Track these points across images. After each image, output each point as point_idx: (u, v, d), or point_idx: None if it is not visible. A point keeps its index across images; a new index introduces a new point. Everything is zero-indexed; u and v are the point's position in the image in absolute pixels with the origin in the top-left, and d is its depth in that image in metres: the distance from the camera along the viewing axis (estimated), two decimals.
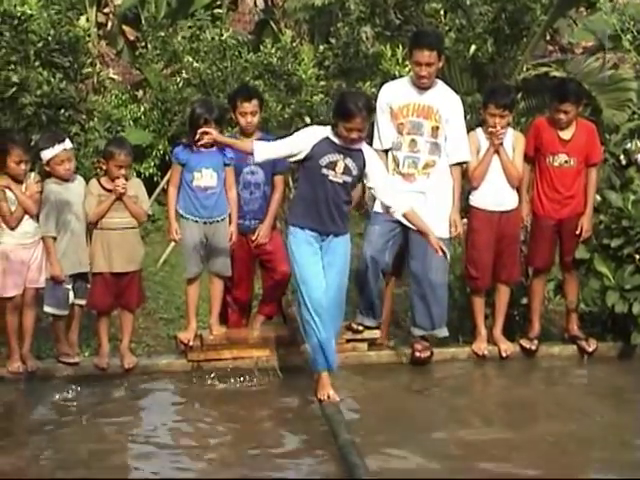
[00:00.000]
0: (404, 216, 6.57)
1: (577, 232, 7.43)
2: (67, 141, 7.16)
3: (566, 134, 7.41)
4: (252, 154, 6.48)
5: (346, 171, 6.30)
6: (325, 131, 6.35)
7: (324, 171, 6.28)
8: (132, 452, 6.10)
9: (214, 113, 7.17)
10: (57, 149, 7.01)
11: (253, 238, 7.35)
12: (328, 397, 6.41)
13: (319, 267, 6.38)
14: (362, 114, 6.21)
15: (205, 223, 7.24)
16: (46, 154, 7.03)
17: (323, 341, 6.37)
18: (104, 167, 7.20)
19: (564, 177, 7.42)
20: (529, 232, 7.64)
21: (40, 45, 8.69)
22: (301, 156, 6.33)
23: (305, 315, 6.40)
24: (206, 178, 7.19)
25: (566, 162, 7.40)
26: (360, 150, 6.35)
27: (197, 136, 6.60)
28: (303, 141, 6.34)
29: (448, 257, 6.61)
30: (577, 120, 7.48)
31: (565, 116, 7.34)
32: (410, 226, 6.89)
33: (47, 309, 7.11)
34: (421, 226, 6.58)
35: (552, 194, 7.44)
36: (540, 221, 7.52)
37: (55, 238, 7.01)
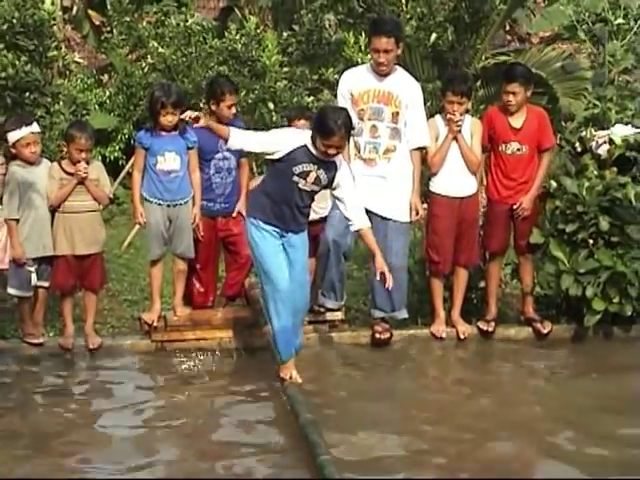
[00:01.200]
0: (358, 231, 6.43)
1: (516, 211, 7.44)
2: (34, 124, 7.08)
3: (517, 122, 7.42)
4: (227, 139, 6.33)
5: (316, 181, 6.17)
6: (304, 138, 6.15)
7: (295, 179, 6.13)
8: (92, 429, 6.04)
9: (172, 97, 7.12)
10: (24, 131, 6.93)
11: (234, 214, 7.39)
12: (290, 377, 6.40)
13: (282, 258, 6.28)
14: (341, 132, 6.01)
15: (169, 206, 7.19)
16: (12, 136, 6.94)
17: (286, 327, 6.32)
18: (66, 150, 7.14)
19: (517, 164, 7.43)
20: (485, 217, 7.66)
21: (4, 28, 8.59)
22: (274, 156, 6.15)
23: (269, 304, 6.34)
24: (169, 162, 7.14)
25: (518, 150, 7.42)
26: (334, 162, 6.20)
27: (185, 117, 6.46)
28: (280, 143, 6.15)
29: (391, 284, 6.49)
30: (527, 107, 7.50)
31: (513, 98, 7.35)
32: (371, 210, 6.87)
33: (10, 291, 7.07)
34: (371, 245, 6.40)
35: (506, 181, 7.46)
36: (494, 206, 7.54)
37: (18, 220, 6.93)
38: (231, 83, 7.54)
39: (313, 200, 6.38)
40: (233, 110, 7.34)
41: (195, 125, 6.39)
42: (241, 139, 6.31)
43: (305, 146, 6.12)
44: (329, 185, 6.25)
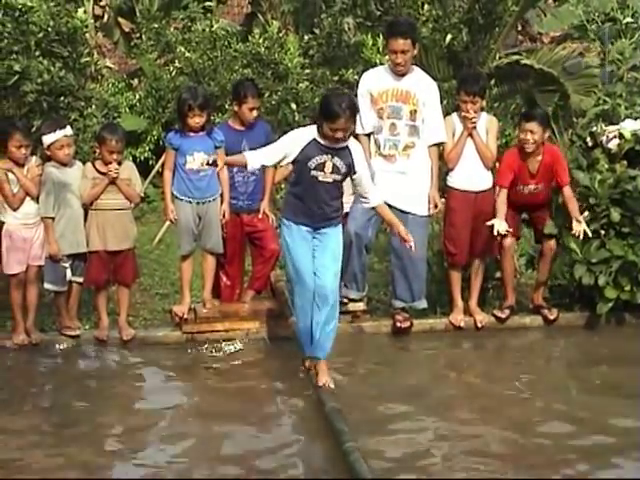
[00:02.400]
0: (375, 209, 6.34)
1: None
2: (68, 128, 7.13)
3: (534, 166, 7.37)
4: (246, 165, 6.24)
5: (335, 170, 6.04)
6: (311, 133, 6.06)
7: (313, 173, 6.02)
8: (128, 414, 6.07)
9: (199, 99, 7.12)
10: (58, 134, 6.97)
11: (260, 215, 7.36)
12: (309, 368, 6.37)
13: (310, 258, 6.15)
14: (346, 114, 5.90)
15: (198, 203, 7.20)
16: (47, 139, 6.98)
17: (304, 329, 6.24)
18: (98, 151, 7.16)
19: (533, 199, 7.48)
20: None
21: (40, 36, 8.60)
22: (290, 159, 6.07)
23: (297, 302, 6.26)
24: (198, 161, 7.15)
25: (535, 189, 7.44)
26: (346, 147, 6.07)
27: (203, 164, 6.57)
28: (290, 145, 6.07)
29: (413, 246, 6.43)
30: (544, 148, 7.41)
31: (531, 136, 7.28)
32: (391, 204, 6.86)
33: (47, 286, 7.12)
34: (390, 219, 6.36)
35: (522, 207, 7.53)
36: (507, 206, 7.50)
37: (53, 219, 6.96)
38: (255, 87, 7.50)
39: (341, 193, 6.21)
40: (255, 113, 7.33)
41: (215, 167, 6.34)
42: (257, 158, 6.18)
43: (314, 139, 6.02)
44: (351, 172, 6.10)
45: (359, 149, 6.22)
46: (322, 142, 6.01)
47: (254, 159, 6.17)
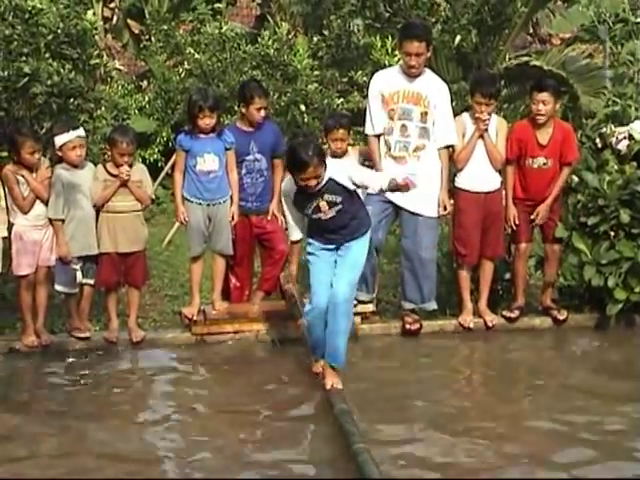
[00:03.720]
0: (390, 189, 6.17)
1: (532, 217, 7.44)
2: (80, 129, 7.15)
3: (544, 138, 7.37)
4: (295, 240, 6.43)
5: (331, 205, 5.97)
6: (291, 186, 6.01)
7: (314, 216, 6.02)
8: (138, 416, 6.11)
9: (209, 101, 7.14)
10: (71, 135, 6.99)
11: (269, 217, 7.39)
12: (317, 374, 6.36)
13: (328, 278, 6.11)
14: (314, 161, 5.79)
15: (208, 205, 7.23)
16: (60, 139, 6.99)
17: (317, 340, 6.27)
18: (109, 153, 7.19)
19: (541, 177, 7.42)
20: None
21: (50, 38, 8.62)
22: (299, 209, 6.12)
23: (309, 316, 6.28)
24: (208, 162, 7.17)
25: (544, 164, 7.40)
26: (330, 180, 5.92)
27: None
28: (289, 203, 6.14)
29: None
30: (555, 121, 7.45)
31: (544, 107, 7.30)
32: (401, 205, 6.86)
33: (57, 287, 7.13)
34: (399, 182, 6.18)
35: (530, 189, 7.45)
36: (517, 202, 7.50)
37: (63, 221, 6.98)
38: (261, 87, 7.49)
39: (355, 207, 6.10)
40: (262, 113, 7.32)
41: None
42: (293, 231, 6.32)
43: (297, 190, 5.98)
44: (346, 195, 5.99)
45: (339, 167, 6.06)
46: (303, 191, 5.94)
47: (295, 234, 6.34)
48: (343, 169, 6.09)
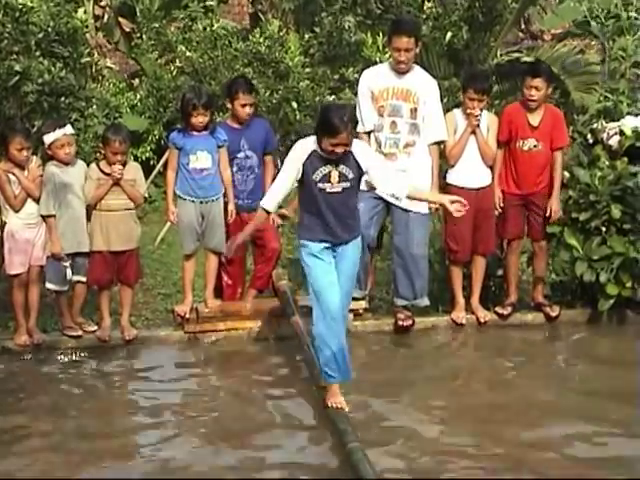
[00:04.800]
0: (409, 198, 6.04)
1: (547, 214, 7.45)
2: (68, 126, 7.13)
3: (535, 120, 7.42)
4: (267, 212, 5.96)
5: (342, 179, 5.74)
6: (311, 144, 5.75)
7: (320, 185, 5.72)
8: (130, 414, 6.14)
9: (202, 98, 7.15)
10: (58, 134, 6.99)
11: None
12: (337, 405, 5.86)
13: (333, 277, 5.83)
14: (347, 129, 5.61)
15: (202, 202, 7.24)
16: (48, 138, 7.01)
17: (337, 352, 5.80)
18: (103, 152, 7.20)
19: (532, 161, 7.44)
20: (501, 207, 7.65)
21: (41, 36, 8.62)
22: (299, 176, 5.77)
23: (320, 327, 5.79)
24: (201, 160, 7.19)
25: (535, 146, 7.42)
26: (349, 152, 5.74)
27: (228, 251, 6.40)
28: (294, 165, 5.76)
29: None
30: (545, 106, 7.50)
31: (537, 93, 7.35)
32: (393, 202, 6.85)
33: (48, 285, 7.13)
34: (423, 196, 6.24)
35: (521, 176, 7.46)
36: (507, 196, 7.53)
37: (54, 217, 6.98)
38: (246, 84, 7.46)
39: (356, 200, 5.94)
40: (247, 110, 7.30)
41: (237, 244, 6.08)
42: (272, 199, 5.90)
43: (313, 151, 5.74)
44: (361, 173, 5.82)
45: (364, 148, 5.97)
46: (323, 154, 5.73)
47: (269, 203, 5.90)
48: (367, 151, 5.96)
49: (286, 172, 5.84)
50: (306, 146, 5.79)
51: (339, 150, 5.67)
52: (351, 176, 5.79)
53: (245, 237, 6.12)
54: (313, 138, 5.78)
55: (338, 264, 5.89)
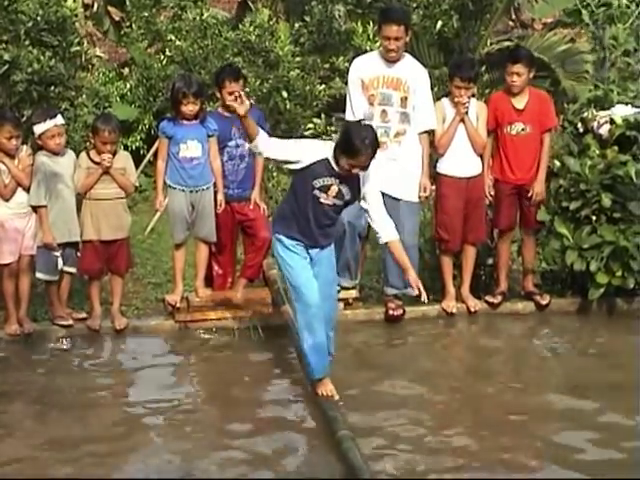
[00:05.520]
0: (386, 244, 5.92)
1: (529, 195, 7.47)
2: (58, 117, 7.11)
3: (520, 103, 7.45)
4: (252, 139, 5.77)
5: (338, 196, 5.67)
6: (327, 151, 5.62)
7: (316, 192, 5.63)
8: (120, 403, 6.14)
9: (192, 87, 7.14)
10: (48, 124, 6.97)
11: (251, 206, 7.37)
12: (326, 394, 5.88)
13: (311, 273, 5.81)
14: (368, 152, 5.46)
15: (192, 192, 7.23)
16: (38, 129, 6.99)
17: (320, 344, 5.82)
18: (92, 141, 7.18)
19: (522, 145, 7.46)
20: (493, 196, 7.66)
21: (30, 25, 8.57)
22: (297, 166, 5.67)
23: (301, 320, 5.84)
24: (192, 149, 7.18)
25: (522, 130, 7.45)
26: (356, 176, 5.66)
27: (230, 99, 6.24)
28: (302, 154, 5.66)
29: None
30: (530, 89, 7.52)
31: (518, 78, 7.38)
32: (383, 191, 6.83)
33: (38, 275, 7.12)
34: (400, 259, 5.89)
35: (512, 162, 7.48)
36: (501, 186, 7.56)
37: (45, 207, 6.97)
38: (233, 71, 7.45)
39: (338, 215, 5.90)
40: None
41: (237, 110, 5.72)
42: (266, 143, 5.75)
43: (326, 159, 5.60)
44: (352, 201, 5.78)
45: (374, 179, 5.80)
46: (334, 166, 5.60)
47: (262, 142, 5.72)
48: (374, 182, 5.80)
49: (291, 149, 5.74)
50: (322, 150, 5.67)
51: (356, 171, 5.57)
52: (347, 198, 5.73)
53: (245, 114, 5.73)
54: (331, 146, 5.64)
55: (316, 269, 5.85)
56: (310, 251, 5.85)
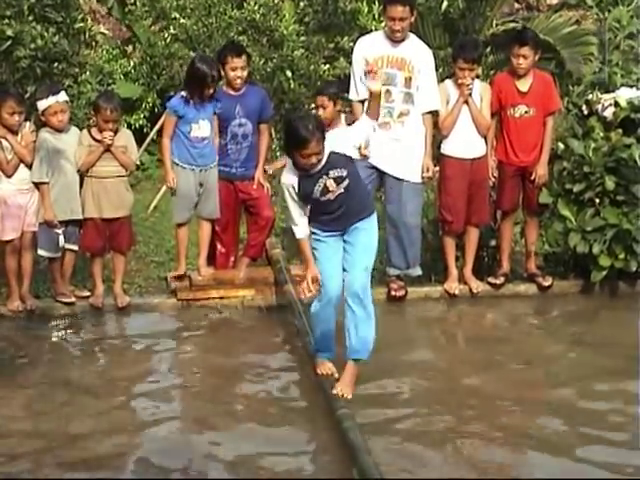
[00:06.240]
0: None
1: (532, 178, 7.44)
2: (62, 93, 7.08)
3: (524, 86, 7.41)
4: (302, 238, 5.62)
5: (338, 180, 5.47)
6: (292, 174, 5.47)
7: (323, 198, 5.48)
8: (123, 381, 6.11)
9: (214, 70, 7.13)
10: (50, 100, 6.94)
11: (254, 185, 7.33)
12: (327, 372, 5.81)
13: (337, 263, 5.60)
14: (316, 136, 5.31)
15: (201, 171, 7.22)
16: (41, 105, 6.97)
17: (327, 332, 5.75)
18: (94, 119, 7.15)
19: (525, 127, 7.42)
20: (496, 178, 7.63)
21: (33, 0, 8.52)
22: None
23: (315, 306, 5.72)
24: (203, 129, 7.20)
25: (526, 112, 7.40)
26: (331, 153, 5.45)
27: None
28: (292, 197, 5.51)
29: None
30: (534, 71, 7.47)
31: (524, 61, 7.33)
32: (386, 171, 6.83)
33: (40, 252, 7.11)
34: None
35: (515, 144, 7.45)
36: (505, 167, 7.53)
37: (47, 183, 6.94)
38: (236, 47, 7.42)
39: (360, 186, 5.67)
40: (238, 73, 7.21)
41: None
42: (303, 227, 5.59)
43: (299, 177, 5.46)
44: (350, 165, 5.54)
45: (340, 135, 5.68)
46: (312, 175, 5.45)
47: (301, 231, 5.60)
48: (347, 138, 5.63)
49: (291, 204, 5.57)
50: (289, 178, 5.51)
51: (312, 161, 5.37)
52: (345, 173, 5.52)
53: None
54: (288, 167, 5.52)
55: (353, 242, 5.61)
56: (347, 231, 5.62)
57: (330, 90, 7.30)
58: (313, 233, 5.65)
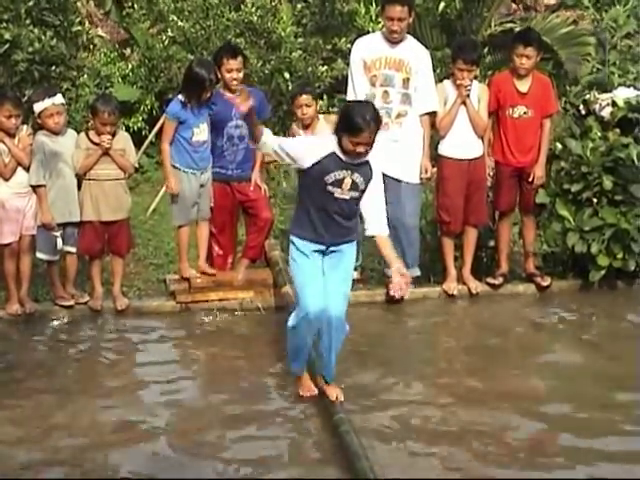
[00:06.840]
0: (374, 237, 5.55)
1: (530, 179, 7.43)
2: (58, 96, 7.05)
3: (524, 87, 7.40)
4: (258, 139, 5.52)
5: (353, 187, 5.36)
6: (331, 144, 5.33)
7: (330, 188, 5.33)
8: (121, 384, 6.10)
9: (212, 74, 7.11)
10: (46, 103, 6.92)
11: (251, 187, 7.32)
12: (303, 392, 5.78)
13: (318, 279, 5.48)
14: (370, 128, 5.20)
15: (202, 173, 7.22)
16: (37, 107, 6.95)
17: (301, 347, 5.64)
18: (92, 122, 7.14)
19: (523, 128, 7.41)
20: (493, 178, 7.62)
21: (31, 4, 8.53)
22: (302, 166, 5.38)
23: (293, 320, 5.59)
24: (202, 132, 7.20)
25: (525, 113, 7.39)
26: (367, 163, 5.38)
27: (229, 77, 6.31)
28: (305, 152, 5.38)
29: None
30: (533, 73, 7.46)
31: (527, 61, 7.32)
32: (384, 172, 6.77)
33: (39, 255, 7.09)
34: (388, 255, 5.55)
35: (513, 144, 7.44)
36: (502, 168, 7.53)
37: (44, 186, 6.92)
38: (231, 49, 7.40)
39: (358, 208, 5.49)
40: (234, 75, 7.17)
41: (239, 107, 5.53)
42: (272, 142, 5.48)
43: (334, 153, 5.32)
44: (368, 185, 5.44)
45: (379, 168, 5.52)
46: (342, 157, 5.32)
47: (268, 141, 5.50)
48: (379, 173, 5.52)
49: (297, 148, 5.45)
50: (326, 144, 5.37)
51: (360, 150, 5.27)
52: (362, 187, 5.41)
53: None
54: (333, 138, 5.36)
55: (332, 266, 5.52)
56: (328, 250, 5.52)
57: (311, 89, 7.36)
58: (294, 243, 5.51)
